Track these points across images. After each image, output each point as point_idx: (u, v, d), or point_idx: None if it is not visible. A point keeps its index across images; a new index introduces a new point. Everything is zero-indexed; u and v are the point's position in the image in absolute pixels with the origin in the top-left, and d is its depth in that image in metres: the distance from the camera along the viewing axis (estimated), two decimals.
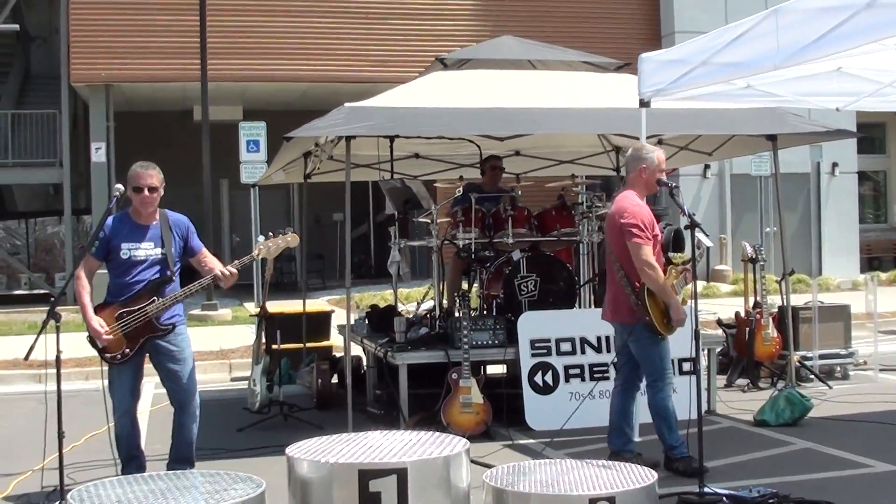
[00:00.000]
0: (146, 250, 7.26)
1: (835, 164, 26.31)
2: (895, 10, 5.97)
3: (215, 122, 21.25)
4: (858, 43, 6.39)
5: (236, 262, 7.56)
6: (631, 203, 7.46)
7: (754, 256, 11.30)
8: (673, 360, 7.80)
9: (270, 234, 7.75)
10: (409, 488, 4.78)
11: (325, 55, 24.04)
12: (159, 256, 7.28)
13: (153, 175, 7.27)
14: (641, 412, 8.92)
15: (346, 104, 9.31)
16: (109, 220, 7.30)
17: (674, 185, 7.28)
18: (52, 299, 6.87)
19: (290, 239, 7.71)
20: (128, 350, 7.19)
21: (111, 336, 7.11)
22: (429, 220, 10.40)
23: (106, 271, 7.32)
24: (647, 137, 9.16)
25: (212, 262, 7.50)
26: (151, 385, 11.03)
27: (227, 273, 7.30)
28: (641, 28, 25.74)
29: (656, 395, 7.50)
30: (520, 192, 11.28)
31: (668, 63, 8.57)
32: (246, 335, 16.32)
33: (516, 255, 10.40)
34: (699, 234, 7.14)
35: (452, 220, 10.64)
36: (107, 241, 7.20)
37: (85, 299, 7.12)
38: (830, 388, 11.07)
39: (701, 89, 8.54)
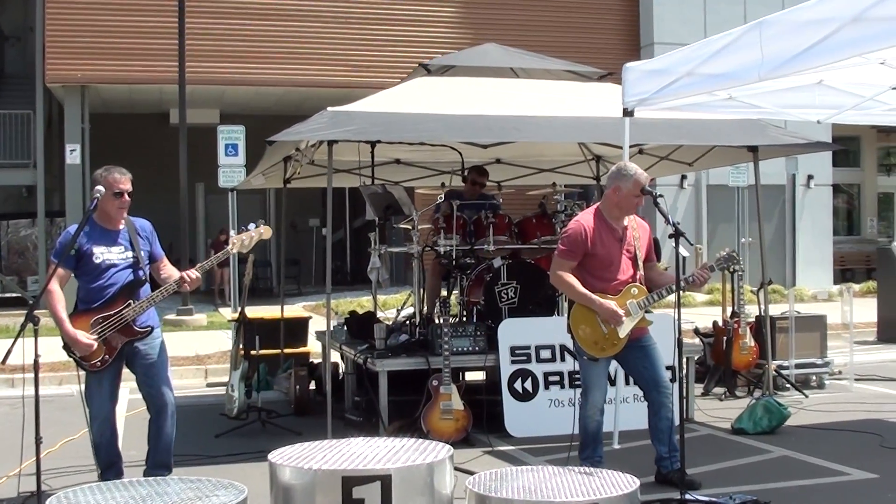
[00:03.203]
0: (118, 254, 7.20)
1: (810, 177, 26.48)
2: (880, 25, 6.00)
3: (192, 125, 21.17)
4: (843, 56, 6.43)
5: (206, 261, 7.50)
6: (576, 219, 7.53)
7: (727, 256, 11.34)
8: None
9: (243, 228, 7.68)
10: (393, 494, 4.76)
11: (305, 59, 24.01)
12: (131, 260, 7.23)
13: (129, 180, 7.24)
14: (621, 420, 8.97)
15: (329, 108, 9.27)
16: (73, 227, 7.23)
17: (658, 194, 7.27)
18: (31, 303, 6.77)
19: (263, 231, 7.59)
20: (107, 356, 7.11)
21: (96, 345, 7.04)
22: (409, 227, 10.39)
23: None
24: (630, 147, 9.19)
25: (170, 270, 7.46)
26: (127, 390, 10.96)
27: (191, 277, 7.23)
28: (621, 39, 25.85)
29: (580, 410, 7.52)
30: (501, 200, 11.29)
31: (652, 73, 8.59)
32: (222, 340, 16.28)
33: (497, 262, 10.39)
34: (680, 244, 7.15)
35: (434, 227, 10.63)
36: (77, 248, 7.11)
37: (61, 313, 6.99)
38: (806, 396, 11.11)
39: (684, 100, 8.56)
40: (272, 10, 23.91)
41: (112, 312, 7.09)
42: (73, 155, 23.02)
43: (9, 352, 6.45)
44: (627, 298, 7.32)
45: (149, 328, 7.26)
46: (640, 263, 7.46)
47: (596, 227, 7.35)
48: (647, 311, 7.41)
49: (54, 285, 6.97)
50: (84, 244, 7.11)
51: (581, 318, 7.37)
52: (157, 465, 7.35)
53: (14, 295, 26.50)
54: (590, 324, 7.34)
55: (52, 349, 7.12)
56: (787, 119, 10.19)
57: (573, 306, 7.45)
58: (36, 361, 6.44)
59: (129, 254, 7.24)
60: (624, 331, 7.30)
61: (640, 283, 7.41)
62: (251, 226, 7.61)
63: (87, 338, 7.00)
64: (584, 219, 7.44)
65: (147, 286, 7.29)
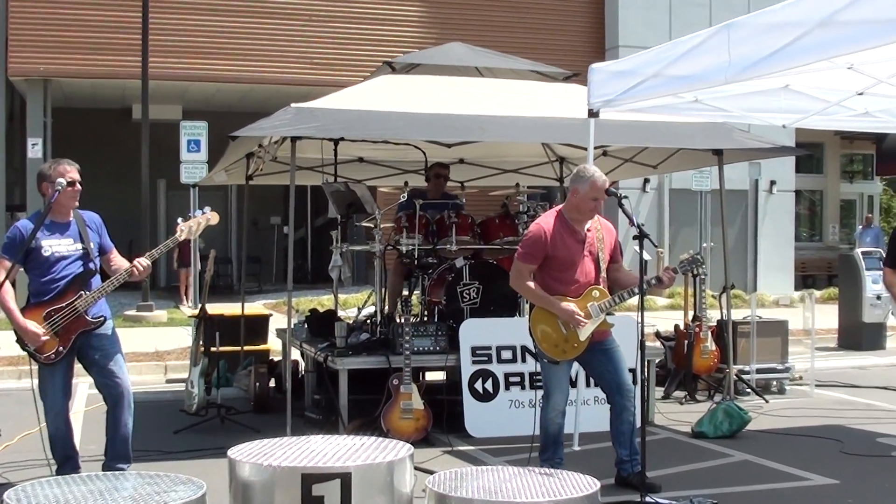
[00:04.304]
0: (67, 246, 7.18)
1: (773, 182, 26.61)
2: (847, 29, 6.01)
3: (155, 121, 21.02)
4: (810, 60, 6.44)
5: (153, 250, 7.44)
6: (537, 222, 7.52)
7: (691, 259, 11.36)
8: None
9: (190, 214, 7.66)
10: (353, 493, 4.72)
11: (269, 57, 23.89)
12: (80, 251, 7.21)
13: (77, 170, 7.24)
14: (581, 421, 8.96)
15: (293, 105, 9.22)
16: (25, 222, 7.22)
17: (623, 195, 7.25)
18: None
19: (211, 217, 7.59)
20: (61, 348, 7.08)
21: (48, 337, 6.99)
22: (372, 225, 10.34)
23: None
24: (594, 148, 9.18)
25: (120, 261, 7.43)
26: (85, 385, 10.87)
27: (142, 266, 7.18)
28: (586, 41, 25.88)
29: (541, 412, 7.51)
30: (464, 200, 11.27)
31: (618, 74, 8.57)
32: (181, 337, 16.15)
33: (459, 262, 10.37)
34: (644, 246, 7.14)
35: (396, 226, 10.59)
36: (25, 243, 7.04)
37: (10, 304, 6.99)
38: (767, 401, 11.15)
39: (650, 101, 8.56)
40: (236, 7, 23.78)
41: (64, 304, 7.06)
42: (34, 149, 22.79)
43: None
44: (588, 301, 7.29)
45: (101, 318, 7.23)
46: (603, 265, 7.44)
47: (556, 230, 7.32)
48: (608, 314, 7.39)
49: (1, 277, 6.92)
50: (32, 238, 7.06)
51: (541, 321, 7.35)
52: (116, 456, 7.29)
53: None
54: (550, 326, 7.32)
55: (10, 343, 7.05)
56: (753, 123, 10.22)
57: (533, 309, 7.42)
58: None
59: (79, 245, 7.23)
60: (584, 334, 7.27)
61: (603, 286, 7.39)
62: (198, 212, 7.62)
63: (36, 327, 6.97)
64: (545, 221, 7.41)
65: (98, 277, 7.28)
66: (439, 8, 25.00)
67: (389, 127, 9.56)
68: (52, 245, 7.13)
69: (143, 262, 7.20)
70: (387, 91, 10.34)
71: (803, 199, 31.80)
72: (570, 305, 7.23)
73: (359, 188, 10.48)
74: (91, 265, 7.22)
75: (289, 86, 23.67)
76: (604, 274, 7.44)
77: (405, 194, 10.46)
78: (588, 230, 7.40)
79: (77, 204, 7.28)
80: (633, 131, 10.05)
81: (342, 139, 10.57)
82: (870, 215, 30.10)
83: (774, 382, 11.97)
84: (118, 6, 22.59)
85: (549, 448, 7.47)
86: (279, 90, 23.86)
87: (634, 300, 7.25)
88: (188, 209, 19.91)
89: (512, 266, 7.57)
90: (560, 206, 7.56)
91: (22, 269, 7.16)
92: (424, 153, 11.74)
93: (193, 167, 20.25)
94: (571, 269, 7.33)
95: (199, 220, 7.54)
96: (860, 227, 29.48)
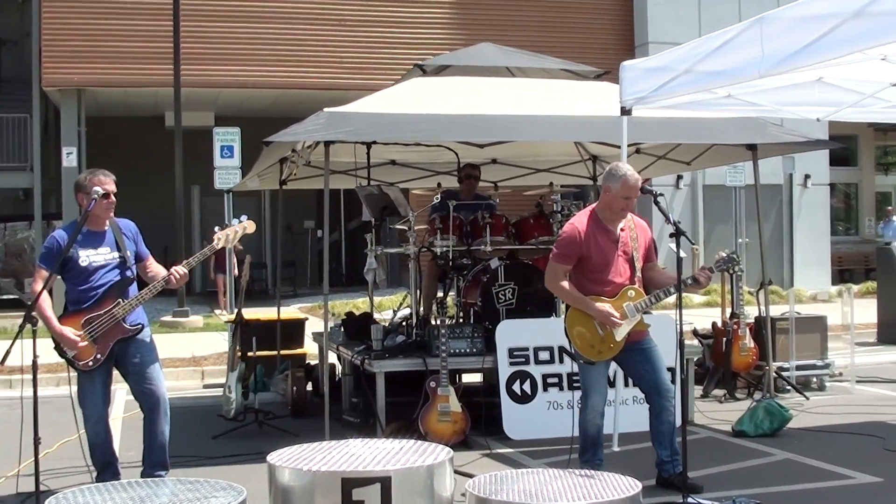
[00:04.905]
0: (104, 255, 7.22)
1: (807, 176, 26.42)
2: (881, 20, 5.95)
3: (187, 128, 21.12)
4: (844, 52, 6.37)
5: (190, 258, 7.47)
6: (571, 222, 7.47)
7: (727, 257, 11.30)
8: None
9: (226, 223, 7.69)
10: (393, 497, 4.71)
11: (299, 62, 23.97)
12: (117, 260, 7.25)
13: (113, 181, 7.27)
14: (620, 422, 8.91)
15: (326, 109, 9.23)
16: (61, 231, 7.26)
17: (658, 192, 7.20)
18: (30, 303, 6.75)
19: (248, 225, 7.65)
20: (99, 356, 7.11)
21: (85, 343, 7.03)
22: (406, 227, 10.33)
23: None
24: (627, 146, 9.13)
25: (157, 268, 7.46)
26: (123, 392, 10.91)
27: (178, 274, 7.22)
28: (615, 39, 25.80)
29: (580, 413, 7.48)
30: (497, 200, 11.24)
31: (650, 71, 8.53)
32: (218, 342, 16.22)
33: (494, 262, 10.34)
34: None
35: (430, 228, 10.58)
36: (62, 253, 7.07)
37: (48, 312, 7.01)
38: (807, 399, 11.05)
39: (682, 98, 8.50)
40: (266, 13, 23.87)
41: (102, 312, 7.11)
42: (69, 158, 22.99)
43: (7, 353, 6.43)
44: (624, 301, 7.25)
45: (139, 325, 7.27)
46: (638, 265, 7.39)
47: (590, 229, 7.27)
48: (644, 314, 7.34)
49: (41, 287, 6.94)
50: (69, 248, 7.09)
51: (577, 322, 7.31)
52: (154, 464, 7.32)
53: (11, 297, 26.46)
54: (586, 327, 7.28)
55: (50, 350, 7.10)
56: (786, 117, 10.13)
57: (569, 310, 7.39)
58: (34, 362, 6.45)
59: (116, 254, 7.26)
60: (620, 334, 7.23)
61: (638, 286, 7.35)
62: (235, 221, 7.68)
63: (73, 333, 7.02)
64: (579, 221, 7.37)
65: (135, 285, 7.31)
66: (468, 9, 24.98)
67: (422, 129, 9.55)
68: (90, 255, 7.16)
69: (180, 270, 7.23)
70: (418, 93, 10.34)
71: (838, 192, 31.55)
72: (605, 306, 7.19)
73: (392, 191, 10.48)
74: (128, 273, 7.26)
75: (319, 90, 23.75)
76: (639, 273, 7.39)
77: (438, 196, 10.45)
78: (622, 229, 7.35)
79: (112, 214, 7.31)
80: (666, 128, 10.00)
81: (375, 143, 10.57)
82: (890, 208, 29.75)
83: (814, 379, 11.86)
84: (149, 15, 22.73)
85: (588, 449, 7.43)
86: (310, 95, 23.92)
87: (671, 298, 7.21)
88: (222, 215, 19.99)
89: (546, 267, 7.55)
90: (593, 205, 7.52)
91: (59, 278, 7.19)
92: (457, 154, 11.72)
93: (227, 173, 20.35)
94: (606, 270, 7.29)
95: (235, 229, 7.59)
96: (881, 221, 29.24)
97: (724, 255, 7.36)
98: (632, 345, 7.32)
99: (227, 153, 20.44)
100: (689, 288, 7.22)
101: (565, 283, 7.29)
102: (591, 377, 7.36)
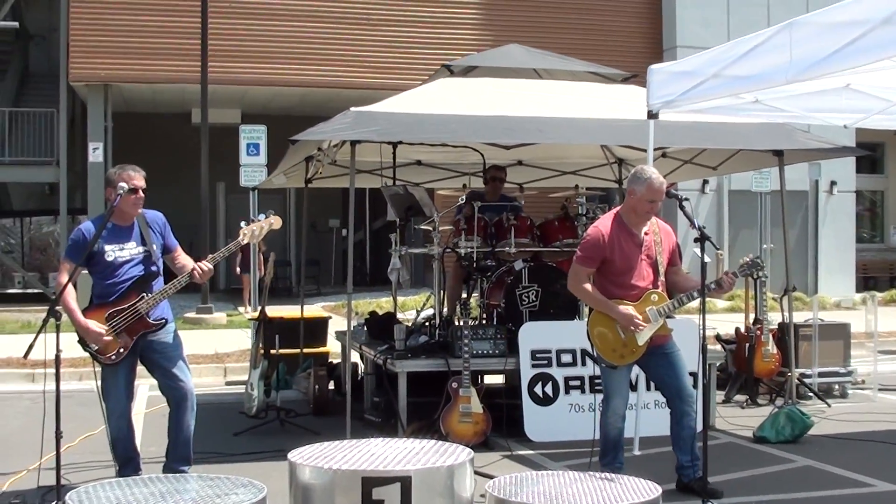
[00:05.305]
0: (130, 250, 7.23)
1: (833, 183, 26.32)
2: None
3: (213, 125, 21.20)
4: (873, 59, 6.35)
5: (216, 254, 7.48)
6: (595, 225, 7.46)
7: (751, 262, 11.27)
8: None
9: (253, 218, 7.70)
10: (413, 496, 4.71)
11: (326, 60, 24.02)
12: (143, 254, 7.26)
13: (142, 176, 7.26)
14: (642, 425, 8.89)
15: (353, 108, 9.24)
16: (88, 224, 7.27)
17: (683, 197, 7.18)
18: (53, 297, 6.79)
19: (273, 221, 7.62)
20: (122, 350, 7.12)
21: (110, 337, 7.05)
22: (430, 228, 10.34)
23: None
24: (654, 150, 9.12)
25: (185, 260, 7.46)
26: (146, 387, 10.97)
27: (203, 269, 7.24)
28: (643, 42, 25.76)
29: (601, 416, 7.47)
30: (522, 202, 11.23)
31: (677, 75, 8.52)
32: (241, 339, 16.26)
33: (518, 264, 10.34)
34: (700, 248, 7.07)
35: (455, 228, 10.58)
36: (88, 247, 7.10)
37: (72, 304, 7.02)
38: (829, 406, 11.01)
39: (709, 102, 8.49)
40: (294, 11, 23.93)
41: (126, 306, 7.12)
42: (95, 153, 23.10)
43: (31, 347, 6.46)
44: (647, 305, 7.23)
45: (163, 321, 7.29)
46: (661, 269, 7.37)
47: (614, 232, 7.26)
48: (667, 318, 7.32)
49: (67, 280, 6.99)
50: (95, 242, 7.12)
51: (599, 325, 7.30)
52: (178, 458, 7.34)
53: (36, 291, 26.64)
54: (608, 330, 7.26)
55: (73, 344, 7.13)
56: (813, 123, 10.11)
57: (592, 313, 7.38)
58: (57, 357, 6.47)
59: (141, 248, 7.27)
60: (643, 338, 7.21)
61: (661, 290, 7.33)
62: (261, 216, 7.65)
63: (98, 326, 7.03)
64: (603, 224, 7.36)
65: (161, 279, 7.33)
66: (496, 10, 24.99)
67: (448, 130, 9.55)
68: (115, 250, 7.17)
69: (204, 265, 7.25)
70: (445, 94, 10.34)
71: (864, 199, 31.38)
72: (628, 309, 7.17)
73: (417, 191, 10.48)
74: (154, 267, 7.27)
75: (346, 89, 23.81)
76: (662, 277, 7.37)
77: (463, 197, 10.44)
78: (646, 233, 7.34)
79: (139, 211, 7.32)
80: (693, 132, 9.97)
81: (401, 142, 10.58)
82: None
83: (837, 386, 11.82)
84: (177, 12, 22.81)
85: (609, 452, 7.42)
86: (337, 94, 23.97)
87: (694, 303, 7.19)
88: (247, 212, 20.03)
89: (570, 269, 7.53)
90: (618, 208, 7.50)
91: (85, 271, 7.22)
92: (483, 155, 11.72)
93: (253, 170, 20.43)
94: (629, 273, 7.27)
95: (261, 224, 7.58)
96: (893, 228, 29.08)
97: (749, 259, 7.35)
98: (654, 349, 7.30)
99: (253, 150, 20.52)
100: (713, 293, 7.21)
101: (588, 286, 7.28)
102: (612, 381, 7.35)
